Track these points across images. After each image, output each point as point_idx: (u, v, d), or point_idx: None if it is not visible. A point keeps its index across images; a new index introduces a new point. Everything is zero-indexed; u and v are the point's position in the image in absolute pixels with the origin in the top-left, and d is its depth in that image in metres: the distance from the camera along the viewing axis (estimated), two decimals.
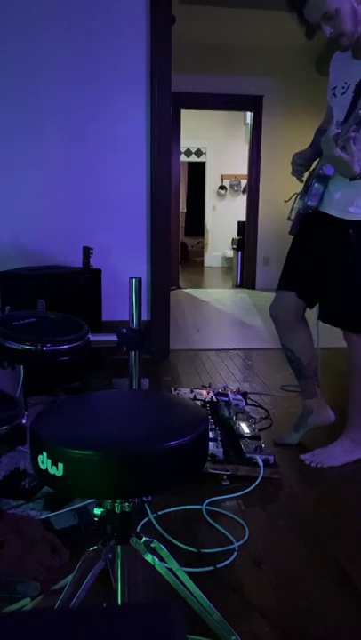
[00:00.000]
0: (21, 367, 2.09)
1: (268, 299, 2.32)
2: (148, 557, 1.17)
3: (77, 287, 2.97)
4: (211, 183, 10.09)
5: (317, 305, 2.12)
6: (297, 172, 2.07)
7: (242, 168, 8.03)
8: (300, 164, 2.06)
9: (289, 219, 2.12)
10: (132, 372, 1.63)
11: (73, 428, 1.05)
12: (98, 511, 1.09)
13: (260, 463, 1.95)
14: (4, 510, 1.71)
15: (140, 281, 1.62)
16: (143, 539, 1.15)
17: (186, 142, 8.32)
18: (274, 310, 2.19)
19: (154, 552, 1.18)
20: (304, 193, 2.04)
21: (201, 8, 5.39)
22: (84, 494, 1.32)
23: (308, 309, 2.16)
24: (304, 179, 2.08)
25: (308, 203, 1.96)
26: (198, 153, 10.10)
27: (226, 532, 1.66)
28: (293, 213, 2.10)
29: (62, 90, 3.28)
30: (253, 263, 6.94)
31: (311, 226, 2.05)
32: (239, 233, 7.31)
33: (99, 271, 3.10)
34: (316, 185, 1.95)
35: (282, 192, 3.77)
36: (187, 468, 1.02)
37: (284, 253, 2.23)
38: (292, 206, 2.11)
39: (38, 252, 3.34)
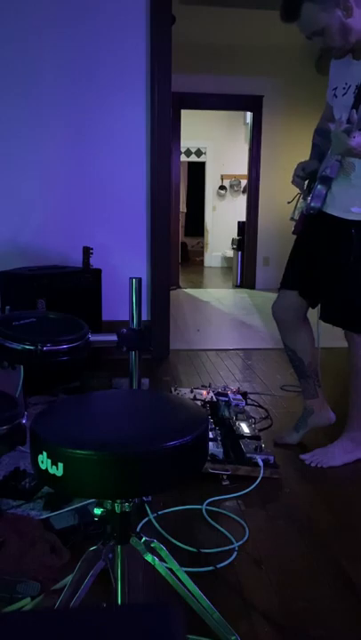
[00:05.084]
0: (21, 367, 2.09)
1: (268, 299, 2.32)
2: (148, 557, 1.17)
3: (77, 287, 2.97)
4: (211, 183, 10.08)
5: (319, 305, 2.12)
6: (297, 184, 2.07)
7: (242, 168, 8.03)
8: (303, 176, 2.05)
9: (292, 219, 2.12)
10: (132, 372, 1.63)
11: (73, 427, 1.05)
12: (98, 511, 1.09)
13: (260, 463, 1.95)
14: (4, 510, 1.71)
15: (140, 281, 1.62)
16: (143, 539, 1.15)
17: (186, 142, 8.31)
18: (276, 309, 2.19)
19: (154, 552, 1.18)
20: (307, 193, 2.04)
21: (201, 8, 5.40)
22: (84, 494, 1.32)
23: (309, 309, 2.16)
24: (305, 188, 2.08)
25: (312, 204, 1.97)
26: (198, 153, 10.10)
27: (226, 532, 1.66)
28: (297, 213, 2.10)
29: (62, 90, 3.28)
30: (253, 263, 6.94)
31: (314, 226, 2.05)
32: (239, 233, 7.31)
33: (99, 271, 3.10)
34: (319, 187, 1.95)
35: (282, 192, 3.77)
36: (187, 468, 1.02)
37: (285, 253, 2.22)
38: (295, 206, 2.12)
39: (38, 252, 3.34)
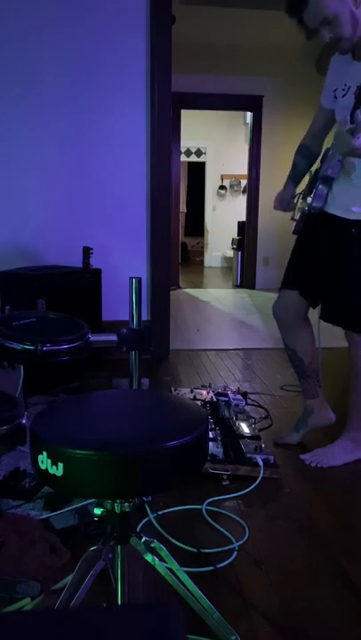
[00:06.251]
0: (21, 367, 2.09)
1: (268, 299, 2.33)
2: (148, 557, 1.17)
3: (77, 287, 2.97)
4: (211, 183, 10.08)
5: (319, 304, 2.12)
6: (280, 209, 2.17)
7: (242, 168, 8.03)
8: (283, 206, 2.14)
9: (293, 219, 2.13)
10: (132, 372, 1.63)
11: (73, 427, 1.05)
12: (98, 511, 1.09)
13: (260, 463, 1.95)
14: (4, 510, 1.71)
15: (140, 281, 1.62)
16: (143, 539, 1.15)
17: (186, 142, 8.31)
18: (277, 309, 2.20)
19: (154, 552, 1.18)
20: (307, 193, 2.04)
21: (201, 8, 5.40)
22: (84, 494, 1.32)
23: (310, 309, 2.16)
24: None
25: (314, 204, 1.97)
26: (198, 153, 10.10)
27: (226, 532, 1.66)
28: (297, 213, 2.10)
29: (62, 90, 3.28)
30: (253, 263, 6.94)
31: (314, 225, 2.05)
32: (239, 233, 7.31)
33: (99, 271, 3.10)
34: (320, 187, 1.96)
35: None
36: (187, 468, 1.02)
37: (285, 253, 2.22)
38: (296, 206, 2.12)
39: (38, 252, 3.34)
